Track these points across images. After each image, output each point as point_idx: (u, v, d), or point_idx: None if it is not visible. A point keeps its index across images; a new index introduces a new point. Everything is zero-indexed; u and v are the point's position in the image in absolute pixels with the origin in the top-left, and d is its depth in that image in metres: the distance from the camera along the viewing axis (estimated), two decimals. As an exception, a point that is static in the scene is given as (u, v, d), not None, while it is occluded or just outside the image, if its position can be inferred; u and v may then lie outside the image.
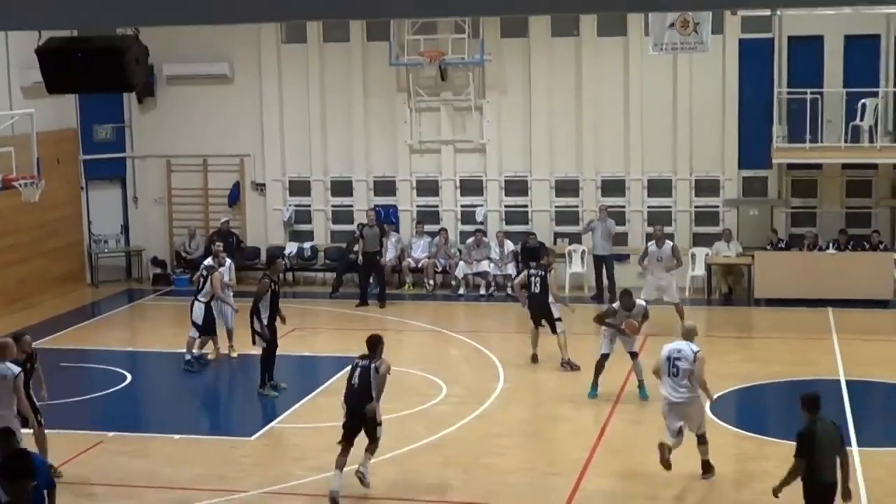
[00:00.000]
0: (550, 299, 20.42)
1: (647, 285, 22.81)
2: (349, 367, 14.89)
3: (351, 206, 28.38)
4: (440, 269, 27.31)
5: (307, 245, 28.43)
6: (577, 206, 27.35)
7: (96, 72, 12.59)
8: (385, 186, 28.25)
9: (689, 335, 15.27)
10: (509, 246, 26.82)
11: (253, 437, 17.17)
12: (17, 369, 14.26)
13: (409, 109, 27.72)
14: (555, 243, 27.21)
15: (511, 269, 26.49)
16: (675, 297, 22.80)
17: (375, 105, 27.98)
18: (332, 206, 28.60)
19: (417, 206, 28.15)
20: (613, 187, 27.19)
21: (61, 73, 12.79)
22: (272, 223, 28.75)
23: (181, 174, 29.16)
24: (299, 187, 28.68)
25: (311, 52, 28.00)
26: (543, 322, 20.50)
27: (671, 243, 23.48)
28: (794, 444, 12.01)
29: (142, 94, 28.38)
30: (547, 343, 20.39)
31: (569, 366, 20.15)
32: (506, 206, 27.73)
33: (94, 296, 27.80)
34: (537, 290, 20.47)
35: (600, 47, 26.85)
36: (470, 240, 26.82)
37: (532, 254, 25.83)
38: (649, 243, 23.58)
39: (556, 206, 27.48)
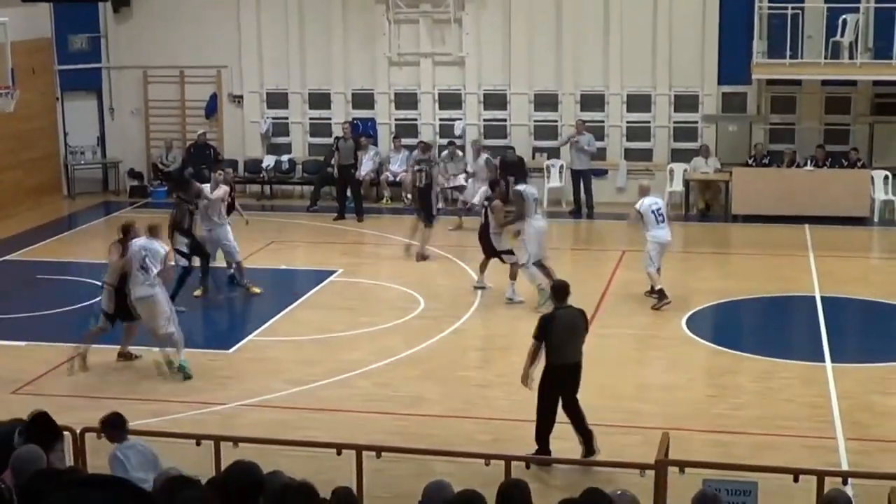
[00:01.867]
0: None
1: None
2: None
3: (329, 119, 28.21)
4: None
5: (285, 158, 28.30)
6: (556, 121, 27.25)
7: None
8: (363, 99, 28.08)
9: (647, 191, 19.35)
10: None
11: (231, 351, 17.22)
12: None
13: (388, 21, 27.47)
14: (533, 158, 27.17)
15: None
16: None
17: (354, 17, 27.72)
18: (310, 118, 28.43)
19: (396, 119, 28.00)
20: (593, 102, 27.07)
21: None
22: (249, 136, 28.58)
23: (158, 85, 28.90)
24: (277, 99, 28.48)
25: (289, -39, 27.70)
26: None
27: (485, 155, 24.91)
28: (768, 358, 12.15)
29: (117, 4, 28.11)
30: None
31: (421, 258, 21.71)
32: (484, 121, 27.61)
33: (71, 208, 27.68)
34: (421, 185, 22.26)
35: (581, -40, 26.63)
36: (444, 153, 26.68)
37: (511, 168, 25.80)
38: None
39: (535, 121, 27.36)
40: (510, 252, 19.46)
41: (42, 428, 8.66)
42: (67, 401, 14.94)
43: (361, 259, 22.60)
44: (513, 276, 19.27)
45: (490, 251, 19.59)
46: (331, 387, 15.57)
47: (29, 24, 26.16)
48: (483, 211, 19.89)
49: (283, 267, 21.23)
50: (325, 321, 18.49)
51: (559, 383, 12.85)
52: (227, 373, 16.26)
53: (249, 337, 17.80)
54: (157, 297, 15.72)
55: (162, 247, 16.12)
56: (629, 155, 26.98)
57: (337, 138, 26.73)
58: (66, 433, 10.88)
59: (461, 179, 26.23)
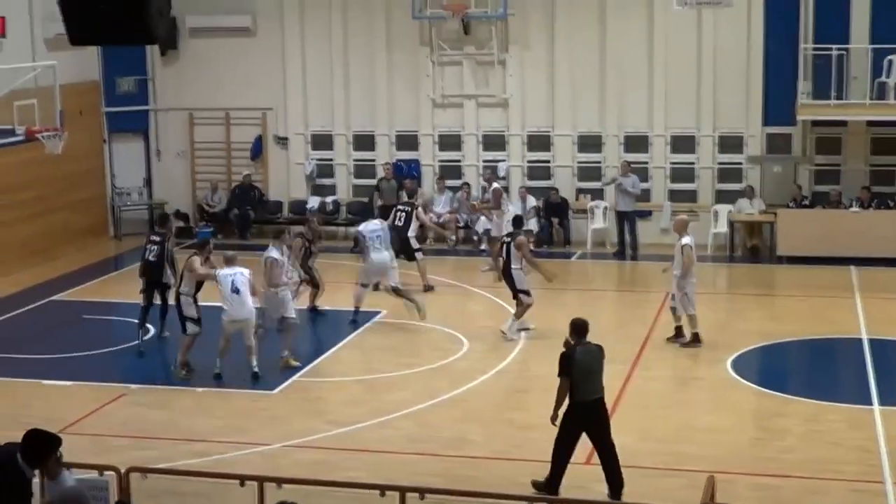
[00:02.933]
0: (411, 233, 22.58)
1: None
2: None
3: (373, 160, 28.34)
4: (462, 224, 27.28)
5: (329, 199, 28.43)
6: (599, 162, 27.24)
7: (119, 23, 12.55)
8: (407, 141, 28.20)
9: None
10: (531, 201, 26.73)
11: (275, 391, 17.24)
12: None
13: (432, 63, 27.62)
14: (577, 199, 27.16)
15: (533, 224, 26.42)
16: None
17: (398, 59, 27.88)
18: (355, 160, 28.57)
19: (440, 160, 28.09)
20: (637, 143, 27.06)
21: (84, 24, 12.76)
22: (294, 177, 28.75)
23: (204, 127, 29.16)
24: (322, 141, 28.66)
25: (333, 4, 27.90)
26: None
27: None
28: (815, 401, 12.05)
29: (165, 47, 28.34)
30: (564, 300, 20.36)
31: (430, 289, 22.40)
32: (528, 162, 27.64)
33: (117, 248, 27.89)
34: (400, 224, 22.63)
35: (625, 2, 26.64)
36: (487, 194, 26.72)
37: (555, 209, 25.84)
38: None
39: (579, 162, 27.36)
40: (527, 293, 19.45)
41: (36, 442, 9.00)
42: (112, 440, 15.02)
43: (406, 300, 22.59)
44: (519, 315, 19.37)
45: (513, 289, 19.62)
46: (374, 428, 15.55)
47: (78, 67, 26.47)
48: (505, 247, 19.74)
49: (328, 308, 21.26)
50: (368, 362, 18.51)
51: (582, 420, 12.89)
52: (271, 413, 16.28)
53: (294, 377, 17.80)
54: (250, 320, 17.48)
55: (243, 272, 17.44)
56: (673, 196, 26.90)
57: (380, 179, 26.83)
58: (110, 473, 10.95)
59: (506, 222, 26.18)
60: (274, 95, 28.55)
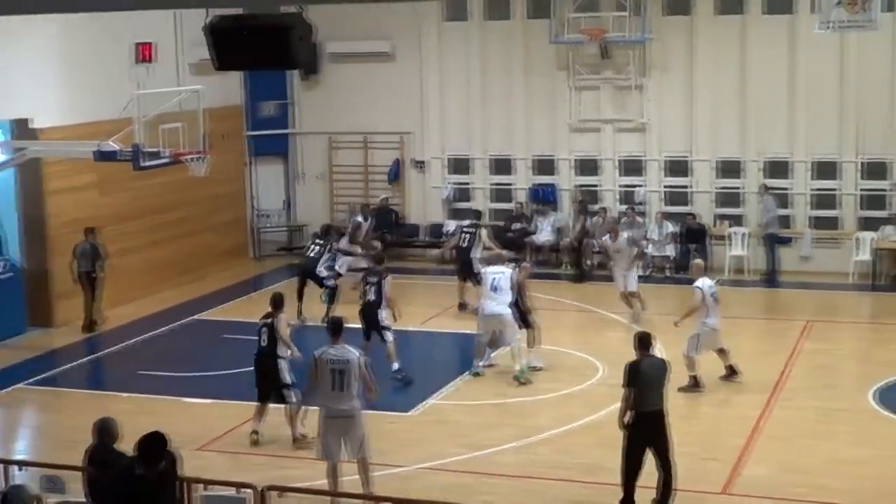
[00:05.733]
0: (475, 254, 22.78)
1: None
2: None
3: (511, 184, 28.39)
4: (596, 249, 27.11)
5: (466, 223, 28.46)
6: (739, 188, 26.87)
7: (262, 49, 12.80)
8: (545, 165, 28.19)
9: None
10: (668, 227, 26.50)
11: (411, 413, 17.32)
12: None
13: (570, 88, 27.58)
14: (715, 225, 26.83)
15: (670, 250, 26.21)
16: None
17: (536, 83, 27.90)
18: (492, 183, 28.65)
19: (577, 185, 28.00)
20: (778, 169, 26.64)
21: (229, 50, 13.04)
22: (431, 201, 28.93)
23: (343, 151, 29.53)
24: (459, 165, 28.80)
25: (472, 29, 28.08)
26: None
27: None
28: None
29: (306, 72, 28.78)
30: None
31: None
32: (666, 187, 27.41)
33: (257, 269, 28.34)
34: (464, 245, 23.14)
35: (766, 25, 26.30)
36: (623, 219, 26.58)
37: (693, 235, 25.56)
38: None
39: (718, 188, 27.04)
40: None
41: (151, 446, 9.43)
42: (250, 458, 15.25)
43: (541, 325, 22.51)
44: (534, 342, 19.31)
45: None
46: (510, 452, 15.54)
47: (222, 92, 27.01)
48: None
49: (466, 332, 21.31)
50: (505, 386, 18.48)
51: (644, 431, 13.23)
52: (407, 435, 16.36)
53: (430, 400, 17.87)
54: (506, 317, 18.43)
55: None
56: (815, 223, 26.41)
57: (519, 204, 27.05)
58: (248, 490, 11.10)
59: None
60: (412, 120, 28.79)
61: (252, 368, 16.32)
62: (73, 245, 22.42)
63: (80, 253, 22.40)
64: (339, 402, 13.36)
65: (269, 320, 16.10)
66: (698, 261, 19.41)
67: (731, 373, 18.25)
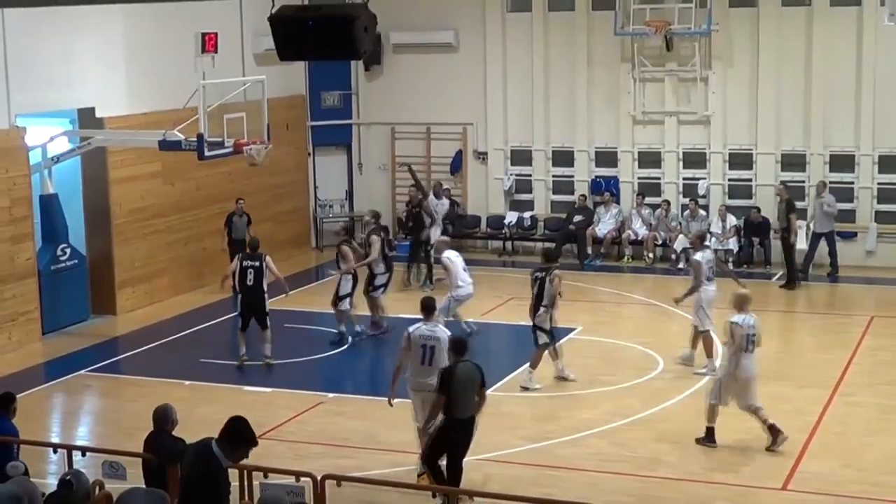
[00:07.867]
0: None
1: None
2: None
3: (572, 176, 28.32)
4: (660, 241, 27.03)
5: (527, 214, 28.50)
6: (803, 182, 26.61)
7: (326, 40, 12.86)
8: (607, 157, 28.09)
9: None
10: (731, 220, 26.31)
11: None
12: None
13: (633, 80, 27.45)
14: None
15: (733, 243, 26.04)
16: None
17: (599, 75, 27.81)
18: (553, 175, 28.59)
19: (639, 177, 27.88)
20: (842, 162, 26.37)
21: (292, 40, 13.12)
22: (493, 192, 28.93)
23: (405, 142, 29.59)
24: (521, 156, 28.77)
25: (535, 20, 28.02)
26: None
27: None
28: None
29: (369, 62, 28.85)
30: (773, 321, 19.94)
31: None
32: (729, 180, 27.22)
33: (319, 259, 28.48)
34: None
35: (833, 17, 26.01)
36: (686, 212, 26.39)
37: (756, 229, 25.34)
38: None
39: (782, 181, 26.77)
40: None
41: (235, 432, 9.21)
42: (308, 447, 15.36)
43: (601, 317, 22.50)
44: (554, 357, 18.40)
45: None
46: (566, 445, 15.52)
47: (285, 82, 27.17)
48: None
49: (523, 323, 21.29)
50: (561, 378, 18.44)
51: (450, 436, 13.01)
52: (465, 426, 16.35)
53: (486, 392, 17.84)
54: None
55: None
56: (880, 217, 26.12)
57: (583, 196, 27.06)
58: (306, 479, 11.19)
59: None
60: (474, 111, 28.79)
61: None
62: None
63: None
64: (427, 377, 13.75)
65: (256, 262, 19.39)
66: (742, 291, 16.38)
67: (774, 435, 15.05)
